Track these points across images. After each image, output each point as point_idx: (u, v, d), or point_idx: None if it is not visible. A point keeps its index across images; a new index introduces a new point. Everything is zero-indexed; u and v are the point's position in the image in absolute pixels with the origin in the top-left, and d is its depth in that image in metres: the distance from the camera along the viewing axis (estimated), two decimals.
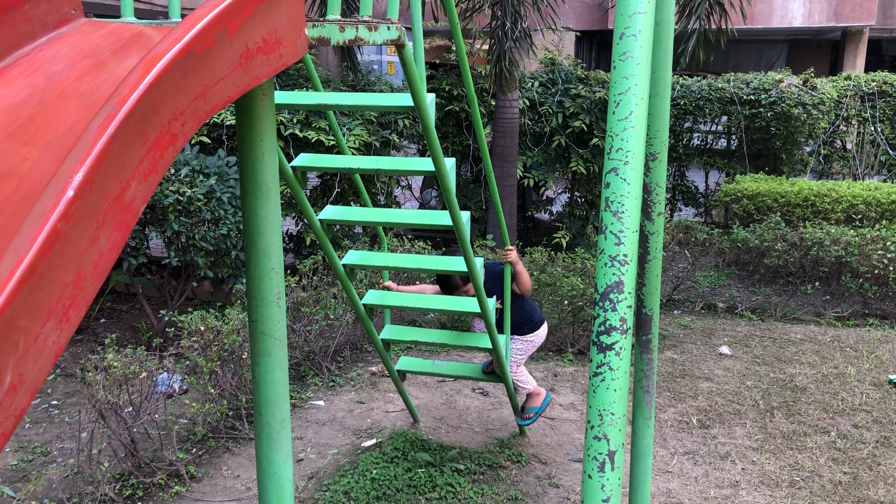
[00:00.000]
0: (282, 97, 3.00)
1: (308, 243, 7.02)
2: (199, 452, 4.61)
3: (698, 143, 10.45)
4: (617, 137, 1.67)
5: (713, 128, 10.31)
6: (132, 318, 6.95)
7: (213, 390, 4.57)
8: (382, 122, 7.32)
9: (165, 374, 5.58)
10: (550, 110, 8.23)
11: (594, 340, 1.69)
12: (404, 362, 4.65)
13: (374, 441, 4.72)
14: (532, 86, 8.42)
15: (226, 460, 4.54)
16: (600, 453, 1.64)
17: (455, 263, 3.63)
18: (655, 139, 2.62)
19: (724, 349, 6.29)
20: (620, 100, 1.66)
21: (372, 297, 4.09)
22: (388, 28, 2.49)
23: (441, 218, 3.35)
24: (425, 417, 5.07)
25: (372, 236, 7.47)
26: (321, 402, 5.30)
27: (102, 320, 6.99)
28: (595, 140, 8.03)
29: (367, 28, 2.33)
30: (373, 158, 3.31)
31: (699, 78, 10.08)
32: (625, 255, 1.66)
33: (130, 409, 4.32)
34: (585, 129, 8.08)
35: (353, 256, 3.82)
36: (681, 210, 10.64)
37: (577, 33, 13.91)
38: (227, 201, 6.06)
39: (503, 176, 7.64)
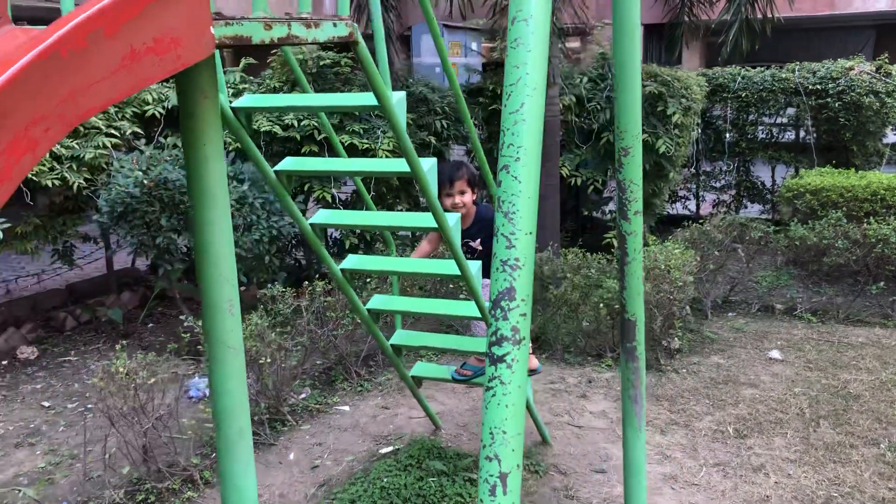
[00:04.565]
0: (247, 101, 2.95)
1: (347, 246, 7.00)
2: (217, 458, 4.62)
3: (763, 136, 9.98)
4: (508, 132, 1.53)
5: (778, 120, 9.83)
6: (178, 324, 7.07)
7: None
8: (421, 123, 7.24)
9: (197, 378, 5.66)
10: (599, 106, 7.98)
11: (488, 352, 1.56)
12: (419, 368, 4.55)
13: (391, 448, 4.64)
14: (580, 82, 8.18)
15: None
16: (491, 475, 1.50)
17: (455, 267, 3.51)
18: (626, 133, 2.45)
19: (775, 353, 5.94)
20: (511, 91, 1.52)
21: (377, 302, 4.01)
22: (335, 25, 2.40)
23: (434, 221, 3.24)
24: (448, 424, 4.96)
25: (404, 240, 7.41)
26: (346, 408, 5.26)
27: (150, 325, 7.15)
28: (644, 136, 7.73)
29: (305, 25, 2.25)
30: (353, 161, 3.24)
31: (762, 68, 9.62)
32: (516, 260, 1.52)
33: (156, 414, 4.35)
34: None
35: (352, 261, 3.74)
36: (746, 206, 10.19)
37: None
38: (260, 206, 6.10)
39: (544, 175, 7.44)
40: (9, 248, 6.30)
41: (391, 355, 4.21)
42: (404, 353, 4.77)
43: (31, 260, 7.32)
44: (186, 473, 4.28)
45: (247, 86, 6.94)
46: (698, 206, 10.42)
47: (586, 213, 9.87)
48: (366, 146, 6.54)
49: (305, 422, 5.07)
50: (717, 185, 10.18)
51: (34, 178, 5.79)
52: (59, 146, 6.11)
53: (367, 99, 2.71)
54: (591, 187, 8.12)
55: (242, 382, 2.62)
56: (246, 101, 2.96)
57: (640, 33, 2.34)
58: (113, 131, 6.56)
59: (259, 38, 2.06)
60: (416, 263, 3.67)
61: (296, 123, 6.58)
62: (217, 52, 3.01)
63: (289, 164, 3.22)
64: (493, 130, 8.51)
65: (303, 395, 5.39)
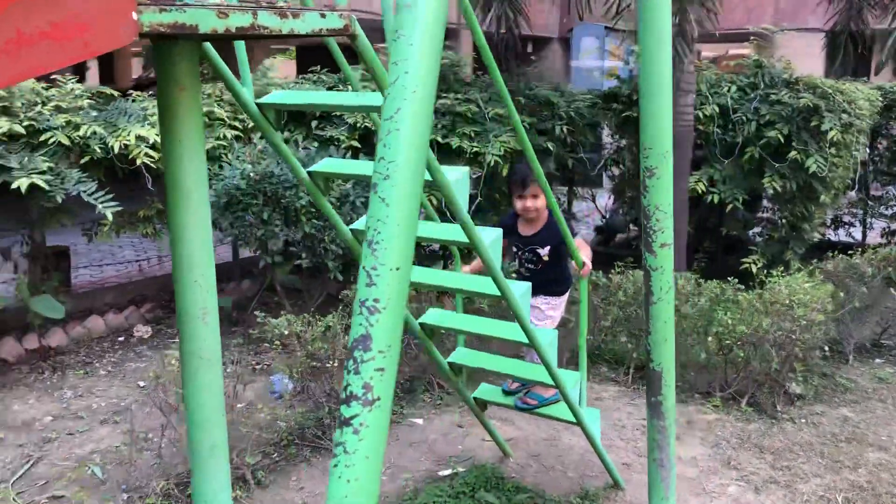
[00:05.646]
0: (273, 97, 2.79)
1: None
2: (278, 458, 4.55)
3: None
4: (380, 143, 1.23)
5: None
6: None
7: (287, 397, 4.49)
8: (541, 128, 6.89)
9: (280, 374, 5.63)
10: (745, 118, 7.26)
11: (338, 413, 1.27)
12: (484, 390, 4.28)
13: (451, 471, 4.37)
14: (728, 90, 7.49)
15: (299, 470, 4.44)
16: None
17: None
18: (652, 150, 2.05)
19: None
20: (389, 93, 1.23)
21: (431, 317, 3.76)
22: (324, 16, 2.18)
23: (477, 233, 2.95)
24: (520, 453, 4.62)
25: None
26: (420, 421, 5.04)
27: (262, 314, 7.26)
28: (793, 153, 6.94)
29: (278, 15, 2.04)
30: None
31: None
32: (375, 301, 1.22)
33: None
34: (782, 140, 7.02)
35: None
36: None
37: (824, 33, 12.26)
38: (362, 206, 6.01)
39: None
40: (131, 229, 6.60)
41: (447, 373, 3.97)
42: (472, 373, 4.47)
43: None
44: (239, 472, 4.22)
45: (366, 84, 6.88)
46: (864, 235, 9.33)
47: (733, 232, 9.06)
48: (476, 149, 6.29)
49: None
50: (888, 212, 9.05)
51: (154, 164, 6.00)
52: None
53: (376, 99, 2.48)
54: (731, 205, 7.40)
55: (217, 395, 2.45)
56: (272, 97, 2.81)
57: (669, 35, 1.93)
58: (236, 123, 6.72)
59: (210, 27, 1.85)
60: (461, 279, 3.39)
61: None
62: (242, 43, 2.88)
63: (324, 165, 3.04)
64: (626, 137, 8.03)
65: None
